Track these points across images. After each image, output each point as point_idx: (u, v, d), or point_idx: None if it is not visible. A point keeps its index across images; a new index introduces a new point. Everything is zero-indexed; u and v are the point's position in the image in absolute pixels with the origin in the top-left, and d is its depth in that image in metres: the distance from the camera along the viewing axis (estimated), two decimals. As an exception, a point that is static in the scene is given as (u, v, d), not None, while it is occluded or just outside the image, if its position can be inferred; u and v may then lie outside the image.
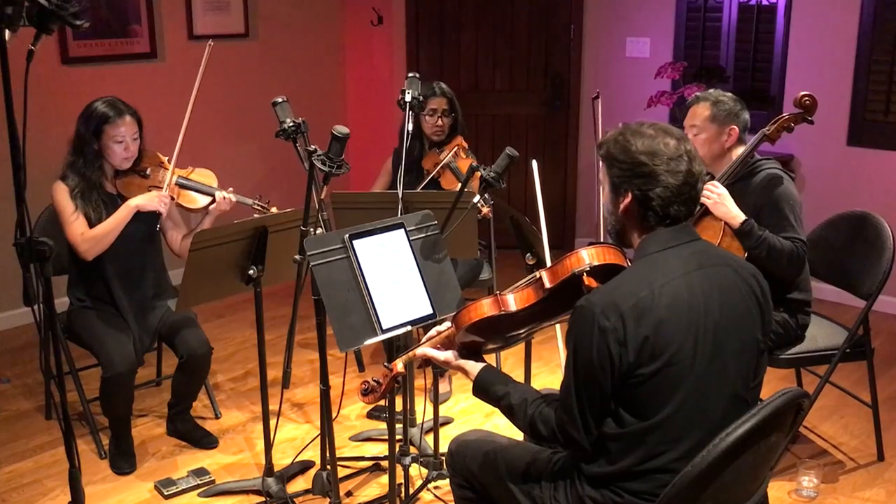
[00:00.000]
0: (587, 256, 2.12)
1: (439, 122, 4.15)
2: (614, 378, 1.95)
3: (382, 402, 2.42)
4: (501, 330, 2.29)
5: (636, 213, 2.06)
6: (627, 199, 2.05)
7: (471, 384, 2.28)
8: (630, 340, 1.92)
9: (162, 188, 3.48)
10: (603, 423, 2.03)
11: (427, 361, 2.41)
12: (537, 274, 2.18)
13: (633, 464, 2.02)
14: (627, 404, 2.00)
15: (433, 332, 2.42)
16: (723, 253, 2.17)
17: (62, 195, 3.42)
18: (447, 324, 2.37)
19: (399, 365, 2.41)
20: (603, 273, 2.09)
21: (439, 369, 3.75)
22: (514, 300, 2.18)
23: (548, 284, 2.14)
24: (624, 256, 2.14)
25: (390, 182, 4.33)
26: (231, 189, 3.54)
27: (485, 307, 2.19)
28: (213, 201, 3.51)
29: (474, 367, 2.27)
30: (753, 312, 2.08)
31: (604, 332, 1.92)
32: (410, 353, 2.41)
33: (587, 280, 2.09)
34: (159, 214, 3.45)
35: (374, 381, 2.49)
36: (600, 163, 2.14)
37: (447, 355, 2.32)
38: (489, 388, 2.22)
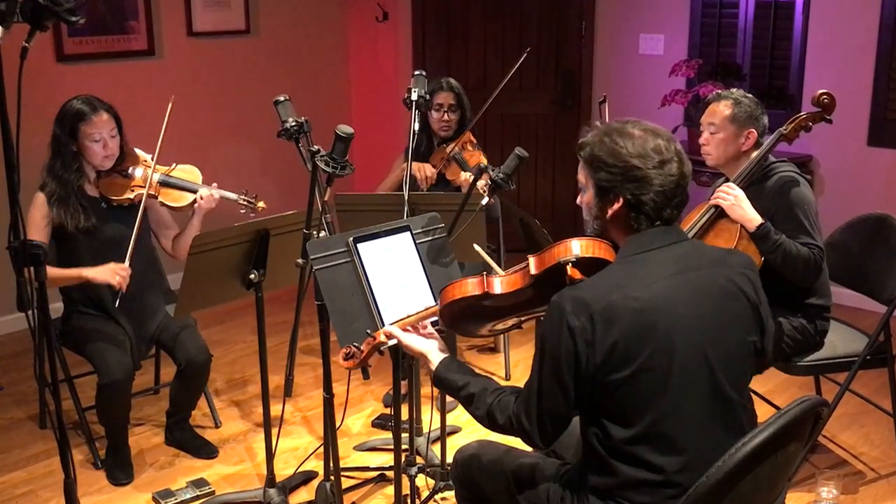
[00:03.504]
0: (575, 247, 2.10)
1: (445, 117, 4.11)
2: (579, 378, 1.95)
3: (377, 355, 2.47)
4: (485, 314, 2.29)
5: (625, 216, 2.03)
6: (618, 204, 2.01)
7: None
8: (598, 343, 1.91)
9: (144, 186, 3.40)
10: (563, 425, 2.03)
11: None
12: (527, 259, 2.18)
13: (631, 475, 1.99)
14: (607, 412, 1.99)
15: (413, 310, 2.41)
16: (709, 252, 2.13)
17: (34, 214, 3.34)
18: (433, 307, 2.36)
19: (381, 335, 2.39)
20: (590, 266, 2.08)
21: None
22: (499, 283, 2.19)
23: (533, 271, 2.14)
24: (614, 253, 2.11)
25: (402, 180, 4.25)
26: (215, 184, 3.47)
27: (469, 286, 2.21)
28: (195, 200, 3.44)
29: (437, 356, 2.26)
30: (743, 314, 2.05)
31: (572, 330, 1.92)
32: (390, 329, 2.39)
33: (571, 271, 2.08)
34: (118, 291, 3.32)
35: (356, 346, 2.46)
36: (580, 165, 2.10)
37: (411, 339, 2.30)
38: (449, 377, 2.21)
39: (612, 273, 2.01)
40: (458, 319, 2.30)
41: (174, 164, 3.53)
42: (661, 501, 1.98)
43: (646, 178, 1.97)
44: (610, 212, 2.03)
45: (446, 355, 2.27)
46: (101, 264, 3.35)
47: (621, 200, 2.00)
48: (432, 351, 2.27)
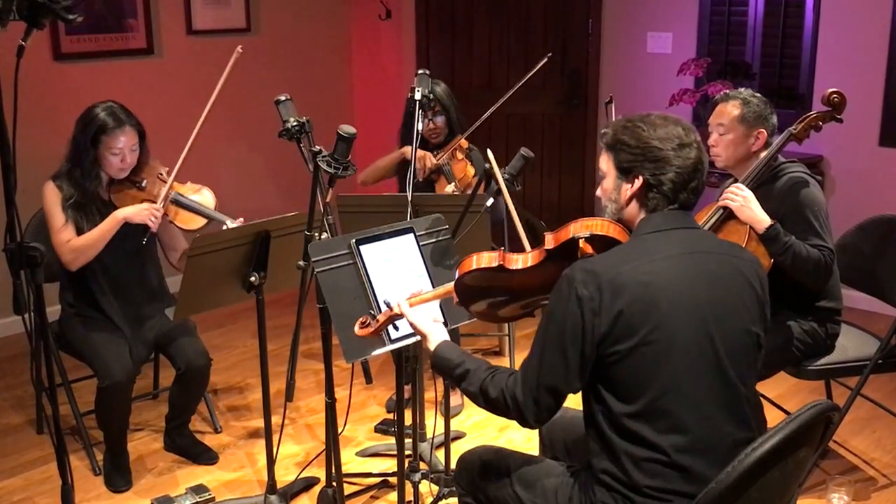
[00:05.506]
0: (590, 224, 2.18)
1: (431, 123, 3.99)
2: (584, 349, 1.99)
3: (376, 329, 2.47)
4: (500, 292, 2.32)
5: (643, 197, 2.10)
6: (638, 184, 2.08)
7: None
8: (604, 311, 1.97)
9: (155, 202, 3.36)
10: (556, 404, 2.07)
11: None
12: (544, 237, 2.25)
13: (632, 452, 2.02)
14: (610, 387, 2.03)
15: (429, 289, 2.42)
16: (720, 242, 2.19)
17: (53, 199, 3.33)
18: (450, 285, 2.38)
19: (398, 308, 2.38)
20: (603, 245, 2.15)
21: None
22: (515, 258, 2.25)
23: (549, 245, 2.20)
24: (628, 236, 2.18)
25: (396, 163, 4.16)
26: (241, 219, 3.41)
27: (485, 258, 2.25)
28: (209, 224, 3.40)
29: (438, 337, 2.29)
30: (749, 304, 2.10)
31: (580, 300, 1.98)
32: (401, 303, 2.40)
33: (584, 245, 2.15)
34: (147, 228, 3.33)
35: (372, 315, 2.46)
36: (602, 153, 2.17)
37: (416, 317, 2.33)
38: (446, 357, 2.25)
39: (624, 248, 2.10)
40: (472, 294, 2.33)
41: (189, 184, 3.51)
42: (671, 483, 2.00)
43: (665, 158, 2.05)
44: (629, 192, 2.10)
45: (447, 338, 2.29)
46: (107, 267, 3.38)
47: (641, 179, 2.07)
48: (434, 333, 2.30)
